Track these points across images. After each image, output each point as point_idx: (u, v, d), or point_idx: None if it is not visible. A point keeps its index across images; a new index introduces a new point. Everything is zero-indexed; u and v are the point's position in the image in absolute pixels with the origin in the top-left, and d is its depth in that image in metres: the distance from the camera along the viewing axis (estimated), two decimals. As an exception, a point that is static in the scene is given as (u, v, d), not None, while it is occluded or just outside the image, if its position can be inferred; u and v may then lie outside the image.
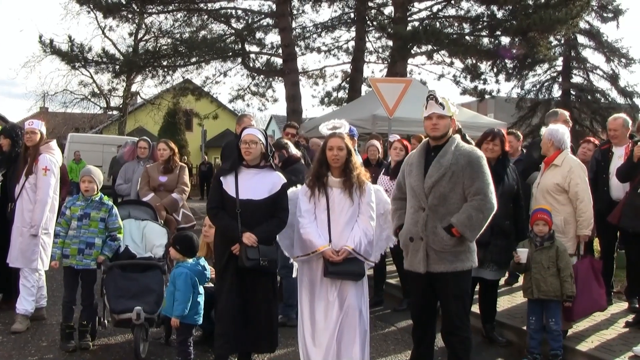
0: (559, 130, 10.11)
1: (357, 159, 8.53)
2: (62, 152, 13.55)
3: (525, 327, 9.83)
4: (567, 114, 12.10)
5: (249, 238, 8.06)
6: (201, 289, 8.82)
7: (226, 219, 8.28)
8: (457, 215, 7.55)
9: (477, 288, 10.35)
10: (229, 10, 34.51)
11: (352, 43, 36.35)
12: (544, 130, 10.28)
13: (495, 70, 35.06)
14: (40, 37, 32.64)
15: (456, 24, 33.19)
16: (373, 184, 8.65)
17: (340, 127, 8.55)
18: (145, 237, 10.35)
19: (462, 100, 41.72)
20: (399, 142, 12.90)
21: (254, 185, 8.32)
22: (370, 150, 14.64)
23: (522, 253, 9.40)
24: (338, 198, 8.22)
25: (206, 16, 35.23)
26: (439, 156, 7.75)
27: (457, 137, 8.01)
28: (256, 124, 13.25)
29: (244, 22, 34.84)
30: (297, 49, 34.34)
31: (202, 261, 8.95)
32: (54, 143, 11.22)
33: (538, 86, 49.73)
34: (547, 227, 9.32)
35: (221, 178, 8.42)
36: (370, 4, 34.86)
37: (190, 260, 8.82)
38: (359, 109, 24.53)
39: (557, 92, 49.67)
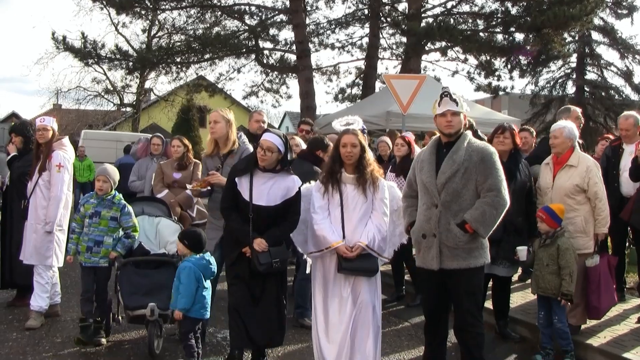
0: (573, 128, 10.09)
1: (371, 156, 8.51)
2: (75, 149, 13.58)
3: (538, 323, 9.84)
4: (579, 110, 12.10)
5: (259, 244, 8.08)
6: (207, 284, 8.83)
7: (238, 222, 8.27)
8: (471, 212, 7.57)
9: (490, 284, 10.36)
10: (242, 7, 34.48)
11: (366, 39, 36.35)
12: (555, 126, 10.20)
13: (509, 66, 35.04)
14: (53, 33, 32.80)
15: (470, 21, 33.10)
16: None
17: (353, 123, 8.53)
18: (159, 234, 10.38)
19: (476, 97, 41.89)
20: (400, 138, 13.01)
21: (268, 190, 8.28)
22: (381, 146, 14.72)
23: (521, 252, 9.43)
24: (352, 194, 8.22)
25: (219, 12, 35.16)
26: (451, 152, 7.78)
27: (469, 133, 8.04)
28: (268, 120, 13.17)
29: (258, 18, 34.81)
30: (310, 46, 34.27)
31: (207, 256, 8.95)
32: (66, 140, 11.23)
33: (552, 83, 49.77)
34: (544, 225, 9.31)
35: (236, 179, 8.36)
36: (384, 0, 34.79)
37: (194, 256, 8.84)
38: (373, 106, 24.55)
39: (571, 88, 49.72)
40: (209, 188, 9.69)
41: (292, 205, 8.33)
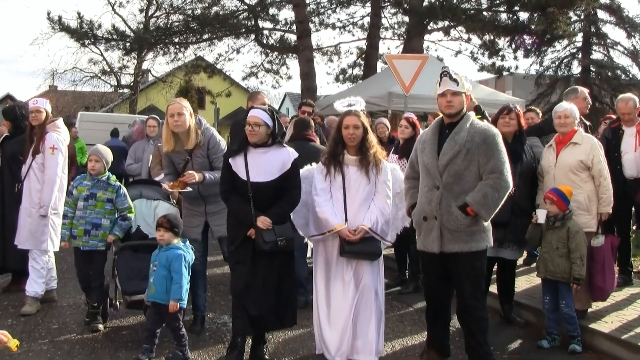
0: (576, 109, 10.09)
1: (373, 137, 8.49)
2: (71, 130, 13.55)
3: (544, 308, 9.80)
4: (586, 91, 12.04)
5: (263, 222, 8.03)
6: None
7: (238, 202, 8.25)
8: (472, 194, 7.60)
9: (494, 268, 10.35)
10: (241, -15, 34.37)
11: (367, 19, 36.02)
12: (562, 107, 10.13)
13: (513, 46, 34.89)
14: (49, 13, 32.72)
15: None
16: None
17: (355, 104, 8.53)
18: (157, 217, 10.30)
19: (480, 77, 41.61)
20: (405, 120, 12.85)
21: (264, 165, 8.24)
22: (379, 127, 14.60)
23: (541, 213, 9.35)
24: (354, 176, 8.26)
25: (218, -9, 35.04)
26: (453, 133, 7.79)
27: (472, 114, 8.06)
28: (269, 102, 13.06)
29: (257, -3, 34.71)
30: (311, 25, 34.09)
31: (188, 243, 8.97)
32: (60, 121, 11.19)
33: (557, 63, 49.53)
34: (554, 207, 9.22)
35: (230, 159, 8.34)
36: (385, -22, 34.64)
37: (180, 243, 8.82)
38: (375, 86, 24.54)
39: (576, 68, 49.43)
40: (189, 189, 9.34)
41: (291, 179, 8.32)
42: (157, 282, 8.60)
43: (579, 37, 46.34)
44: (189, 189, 9.30)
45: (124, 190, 10.02)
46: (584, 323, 9.60)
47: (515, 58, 35.66)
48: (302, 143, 10.64)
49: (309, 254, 8.89)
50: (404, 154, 12.13)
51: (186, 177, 9.20)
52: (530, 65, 49.75)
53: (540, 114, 13.62)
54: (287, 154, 8.36)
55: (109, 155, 10.12)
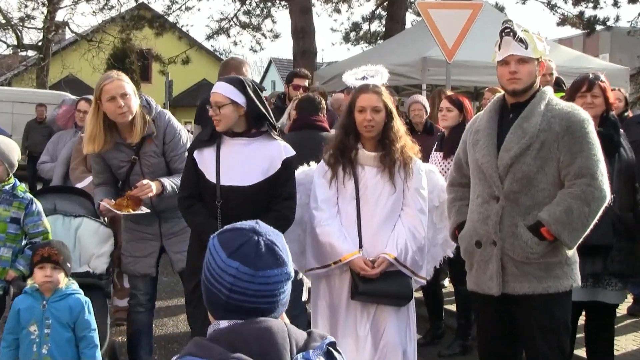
0: None
1: (401, 125, 8.46)
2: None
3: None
4: None
5: None
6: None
7: (202, 215, 8.16)
8: (550, 208, 7.39)
9: (581, 318, 10.27)
10: None
11: (391, -52, 36.22)
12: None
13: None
14: None
15: None
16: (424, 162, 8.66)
17: (374, 76, 8.52)
18: (80, 243, 10.22)
19: (560, 35, 41.68)
20: (446, 99, 12.37)
21: (242, 162, 8.07)
22: (414, 109, 14.10)
23: None
24: (372, 182, 8.23)
25: None
26: (520, 119, 7.58)
27: (549, 89, 7.82)
28: (250, 73, 12.77)
29: None
30: (308, -41, 34.23)
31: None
32: None
33: (682, 10, 49.43)
34: None
35: (195, 153, 8.20)
36: None
37: (71, 282, 8.66)
38: (402, 49, 24.56)
39: None
40: (143, 209, 9.08)
41: (280, 185, 8.17)
42: (57, 349, 8.33)
43: None
44: (144, 208, 9.07)
45: (37, 206, 9.68)
46: None
47: (616, 4, 35.23)
48: (311, 133, 10.56)
49: (304, 297, 8.89)
50: (452, 150, 11.02)
51: (139, 189, 8.89)
52: (639, 15, 49.40)
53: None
54: (278, 149, 8.17)
55: (13, 153, 9.73)
